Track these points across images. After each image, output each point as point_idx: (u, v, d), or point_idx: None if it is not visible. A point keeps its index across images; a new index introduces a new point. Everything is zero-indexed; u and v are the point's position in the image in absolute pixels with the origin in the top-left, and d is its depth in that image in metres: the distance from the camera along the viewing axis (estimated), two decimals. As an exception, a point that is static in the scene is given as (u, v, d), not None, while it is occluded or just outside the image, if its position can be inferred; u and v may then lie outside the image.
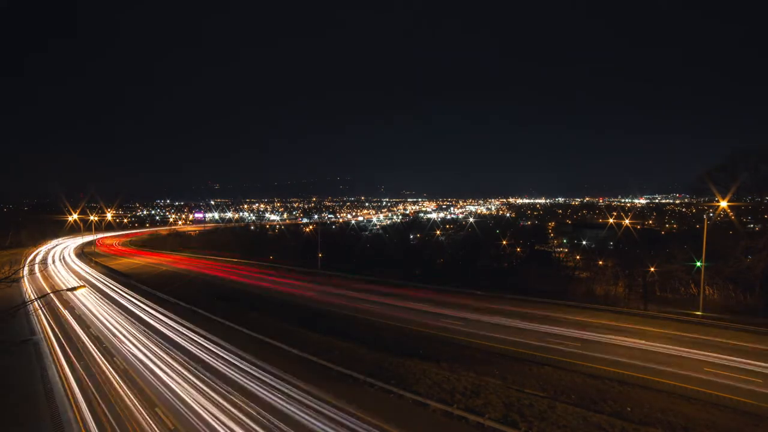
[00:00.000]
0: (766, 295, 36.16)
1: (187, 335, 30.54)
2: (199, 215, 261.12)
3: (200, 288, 49.72)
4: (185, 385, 21.81)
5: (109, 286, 50.50)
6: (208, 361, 25.30)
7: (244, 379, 22.44)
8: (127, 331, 31.95)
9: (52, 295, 43.94)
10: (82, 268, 66.30)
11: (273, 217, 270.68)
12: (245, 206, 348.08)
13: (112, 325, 33.69)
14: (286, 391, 20.94)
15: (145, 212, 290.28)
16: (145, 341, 29.28)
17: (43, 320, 35.35)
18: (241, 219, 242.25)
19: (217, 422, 18.08)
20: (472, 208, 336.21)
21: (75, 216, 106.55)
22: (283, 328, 31.58)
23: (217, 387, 21.49)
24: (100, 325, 33.83)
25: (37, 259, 77.81)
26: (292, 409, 19.10)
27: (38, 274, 59.82)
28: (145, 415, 18.92)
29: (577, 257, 65.46)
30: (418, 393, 20.07)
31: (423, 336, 30.07)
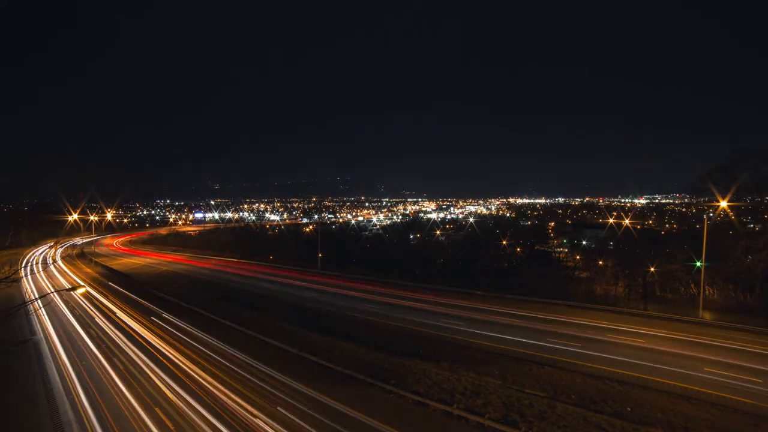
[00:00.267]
0: (766, 295, 36.15)
1: (186, 335, 30.54)
2: (199, 215, 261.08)
3: (200, 288, 49.72)
4: (185, 386, 21.81)
5: (109, 286, 50.51)
6: (208, 362, 25.30)
7: (244, 380, 22.44)
8: (127, 331, 31.96)
9: (52, 294, 43.94)
10: (82, 268, 66.32)
11: (273, 217, 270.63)
12: (245, 206, 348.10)
13: (112, 324, 33.69)
14: (285, 391, 20.95)
15: (145, 212, 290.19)
16: (145, 342, 29.28)
17: (43, 320, 35.36)
18: (241, 219, 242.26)
19: (217, 425, 18.08)
20: (472, 208, 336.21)
21: (75, 216, 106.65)
22: (283, 328, 31.59)
23: (218, 388, 21.49)
24: (99, 325, 33.84)
25: (38, 259, 77.84)
26: (293, 410, 19.11)
27: (39, 274, 59.84)
28: (146, 415, 18.93)
29: (577, 257, 65.43)
30: (418, 393, 20.07)
31: (423, 336, 30.07)
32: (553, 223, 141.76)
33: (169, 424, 18.06)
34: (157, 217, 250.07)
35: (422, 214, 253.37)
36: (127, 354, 26.90)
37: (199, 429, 17.68)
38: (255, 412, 18.86)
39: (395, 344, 27.98)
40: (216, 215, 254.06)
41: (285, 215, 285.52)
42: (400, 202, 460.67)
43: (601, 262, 52.53)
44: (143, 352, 27.02)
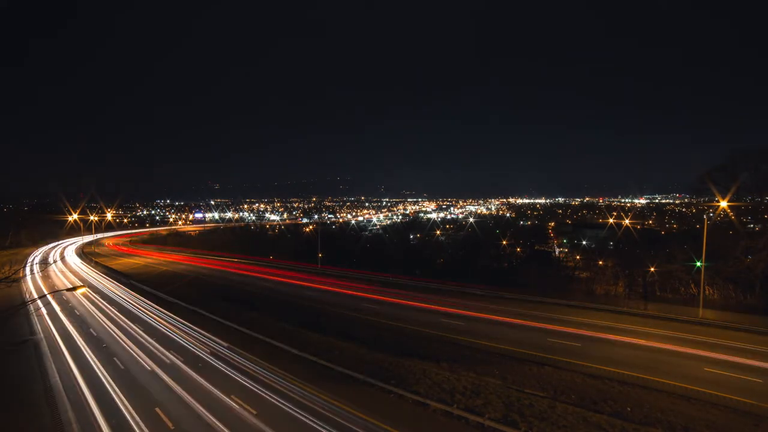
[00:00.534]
0: (766, 295, 36.15)
1: (186, 336, 30.54)
2: (199, 215, 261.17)
3: (200, 288, 49.72)
4: (185, 386, 21.81)
5: (109, 286, 50.53)
6: (208, 361, 25.31)
7: (244, 379, 22.45)
8: (127, 331, 31.96)
9: (51, 295, 43.95)
10: (82, 268, 66.33)
11: (273, 217, 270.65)
12: (245, 206, 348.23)
13: (112, 325, 33.70)
14: (286, 390, 20.95)
15: (145, 212, 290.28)
16: (145, 341, 29.28)
17: (42, 320, 35.35)
18: (241, 219, 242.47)
19: (217, 423, 18.08)
20: (472, 208, 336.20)
21: (75, 216, 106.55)
22: (283, 328, 31.58)
23: (217, 388, 21.50)
24: (99, 325, 33.84)
25: (38, 259, 77.83)
26: (293, 410, 19.12)
27: (39, 274, 59.83)
28: (145, 416, 18.93)
29: (577, 257, 65.48)
30: (418, 393, 20.07)
31: (423, 336, 30.06)
32: (553, 223, 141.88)
33: (169, 424, 18.06)
34: (157, 217, 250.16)
35: (422, 214, 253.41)
36: (127, 354, 26.90)
37: (200, 429, 17.68)
38: (255, 411, 18.86)
39: (395, 344, 27.97)
40: (216, 215, 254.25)
41: (285, 215, 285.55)
42: (400, 202, 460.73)
43: (601, 262, 52.55)
44: (143, 353, 27.02)
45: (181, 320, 34.46)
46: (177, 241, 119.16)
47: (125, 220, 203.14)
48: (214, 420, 18.23)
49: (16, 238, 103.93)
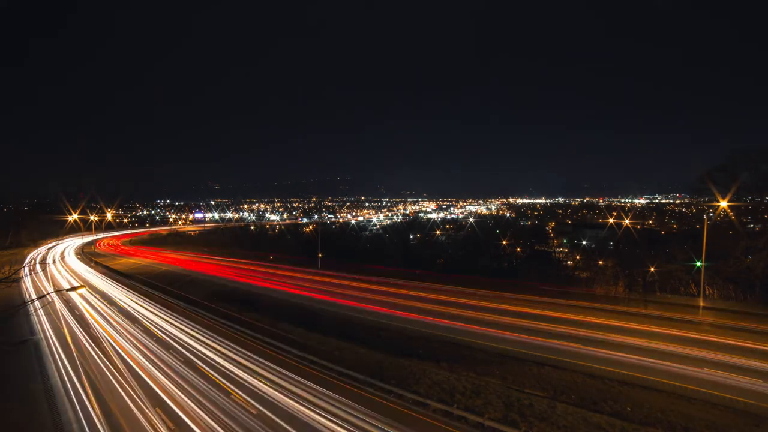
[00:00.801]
0: (766, 295, 36.15)
1: (186, 336, 30.55)
2: (199, 215, 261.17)
3: (200, 288, 49.69)
4: (185, 387, 21.80)
5: (110, 286, 50.51)
6: (208, 361, 25.31)
7: (244, 380, 22.45)
8: (127, 331, 31.96)
9: (52, 295, 43.92)
10: (82, 268, 66.31)
11: (273, 217, 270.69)
12: (245, 206, 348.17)
13: (112, 325, 33.69)
14: (286, 391, 20.95)
15: (145, 212, 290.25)
16: (145, 342, 29.28)
17: (43, 320, 35.33)
18: (241, 219, 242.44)
19: (219, 422, 18.07)
20: (472, 208, 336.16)
21: (75, 216, 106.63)
22: (283, 328, 31.58)
23: (217, 387, 21.49)
24: (99, 325, 33.83)
25: (38, 259, 77.81)
26: (293, 409, 19.12)
27: (38, 274, 59.80)
28: (145, 415, 18.92)
29: (577, 257, 65.48)
30: (418, 393, 20.07)
31: (423, 336, 30.06)
32: (553, 223, 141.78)
33: (170, 424, 18.06)
34: (157, 217, 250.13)
35: (422, 214, 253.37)
36: (127, 354, 26.89)
37: (200, 428, 17.68)
38: (256, 412, 18.85)
39: (395, 344, 27.98)
40: (216, 215, 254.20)
41: (285, 215, 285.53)
42: (400, 202, 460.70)
43: (601, 262, 52.54)
44: (143, 353, 27.01)
45: (181, 320, 34.46)
46: (177, 241, 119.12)
47: (125, 220, 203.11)
48: (214, 420, 18.23)
49: (16, 238, 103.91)
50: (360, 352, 26.31)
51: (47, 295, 43.20)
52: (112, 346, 28.62)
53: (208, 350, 27.17)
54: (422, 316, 34.99)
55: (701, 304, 33.80)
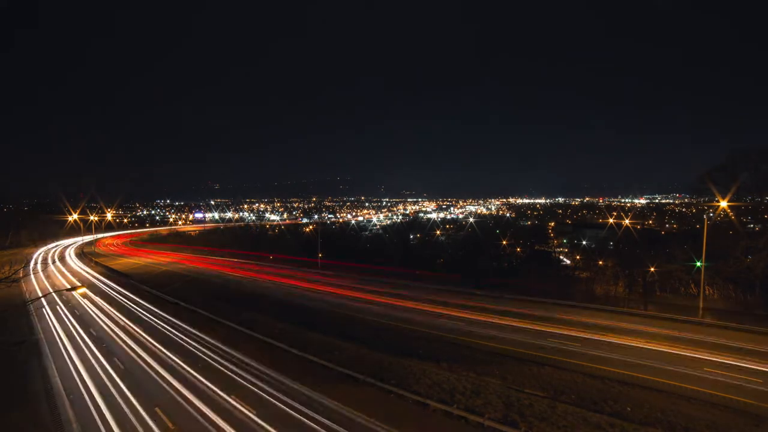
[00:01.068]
0: (766, 295, 36.15)
1: (186, 336, 30.55)
2: (199, 215, 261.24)
3: (200, 288, 49.71)
4: (185, 386, 21.80)
5: (109, 286, 50.52)
6: (208, 362, 25.31)
7: (244, 379, 22.45)
8: (127, 331, 31.96)
9: (52, 295, 43.95)
10: (82, 268, 66.32)
11: (273, 217, 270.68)
12: (245, 206, 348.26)
13: (112, 325, 33.69)
14: (286, 390, 20.95)
15: (145, 212, 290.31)
16: (145, 342, 29.28)
17: (43, 320, 35.34)
18: (241, 219, 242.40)
19: (218, 423, 18.08)
20: (472, 208, 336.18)
21: (75, 216, 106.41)
22: (284, 328, 31.57)
23: (217, 388, 21.50)
24: (99, 325, 33.84)
25: (38, 259, 77.82)
26: (293, 409, 19.12)
27: (39, 274, 59.84)
28: (145, 416, 18.93)
29: (577, 257, 65.44)
30: (418, 393, 20.07)
31: (423, 336, 30.07)
32: (553, 223, 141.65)
33: (170, 424, 18.06)
34: (157, 217, 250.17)
35: (422, 214, 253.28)
36: (128, 354, 26.90)
37: (200, 428, 17.68)
38: (256, 412, 18.86)
39: (395, 344, 27.97)
40: (216, 215, 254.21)
41: (285, 215, 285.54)
42: (400, 202, 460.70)
43: (601, 262, 52.54)
44: (143, 353, 27.02)
45: (180, 320, 34.46)
46: (177, 241, 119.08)
47: (125, 220, 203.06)
48: (215, 420, 18.23)
49: (16, 238, 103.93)
50: (360, 351, 26.31)
51: (47, 295, 43.21)
52: (112, 345, 28.63)
53: (209, 349, 27.19)
54: (422, 317, 34.99)
55: (701, 304, 33.79)
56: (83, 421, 18.74)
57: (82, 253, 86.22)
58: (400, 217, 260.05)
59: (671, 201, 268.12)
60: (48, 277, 58.00)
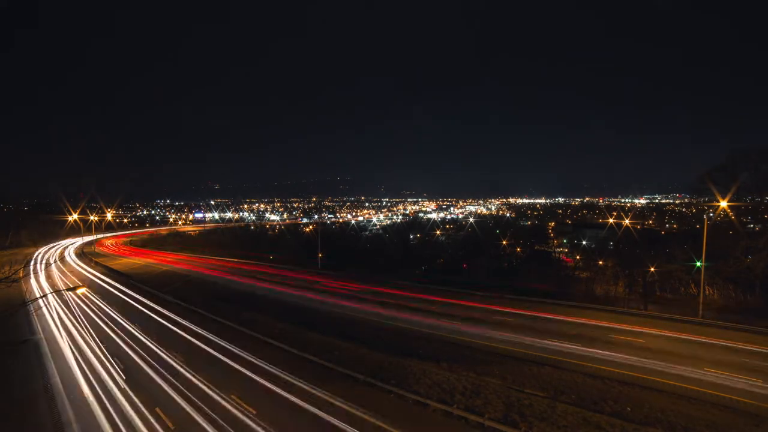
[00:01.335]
0: (766, 295, 36.15)
1: (186, 337, 30.55)
2: (199, 215, 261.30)
3: (200, 288, 49.71)
4: (185, 386, 21.81)
5: (109, 286, 50.52)
6: (208, 361, 25.31)
7: (244, 379, 22.45)
8: (127, 331, 31.97)
9: (52, 295, 43.96)
10: (82, 268, 66.33)
11: (273, 217, 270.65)
12: (245, 206, 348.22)
13: (112, 325, 33.70)
14: (286, 390, 20.96)
15: (145, 212, 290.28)
16: (145, 342, 29.29)
17: (43, 320, 35.36)
18: (241, 219, 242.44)
19: (217, 423, 18.08)
20: (472, 208, 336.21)
21: (75, 216, 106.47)
22: (283, 328, 31.58)
23: (217, 388, 21.50)
24: (99, 325, 33.84)
25: (38, 259, 77.83)
26: (293, 409, 19.11)
27: (39, 274, 59.85)
28: (145, 416, 18.94)
29: (577, 257, 65.46)
30: (418, 393, 20.07)
31: (423, 336, 30.06)
32: (553, 223, 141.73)
33: (170, 424, 18.07)
34: (157, 217, 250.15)
35: (422, 214, 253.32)
36: (127, 354, 26.91)
37: (200, 428, 17.68)
38: (256, 412, 18.86)
39: (395, 344, 27.97)
40: (216, 215, 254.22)
41: (285, 215, 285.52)
42: (400, 202, 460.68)
43: (601, 262, 52.57)
44: (143, 353, 27.02)
45: (180, 320, 34.47)
46: (177, 241, 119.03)
47: (125, 220, 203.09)
48: (215, 419, 18.24)
49: (16, 238, 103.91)
50: (360, 351, 26.31)
51: (47, 296, 43.22)
52: (112, 345, 28.63)
53: (208, 348, 27.20)
54: (422, 317, 34.97)
55: (701, 304, 33.79)
56: (83, 421, 18.75)
57: (82, 253, 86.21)
58: (400, 217, 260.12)
59: (671, 201, 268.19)
60: (48, 277, 58.00)
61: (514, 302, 38.82)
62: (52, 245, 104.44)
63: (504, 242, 78.05)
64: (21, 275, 56.53)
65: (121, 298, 44.09)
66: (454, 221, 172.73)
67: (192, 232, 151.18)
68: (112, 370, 24.17)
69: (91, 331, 32.21)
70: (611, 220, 78.47)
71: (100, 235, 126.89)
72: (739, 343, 26.80)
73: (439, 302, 39.73)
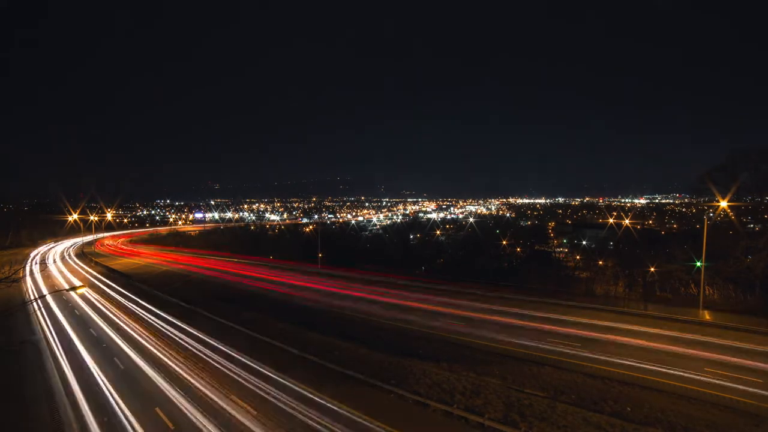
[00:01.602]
0: (766, 295, 36.11)
1: (186, 337, 30.54)
2: (199, 215, 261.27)
3: (200, 288, 49.71)
4: (185, 386, 21.80)
5: (109, 287, 50.50)
6: (208, 362, 25.30)
7: (244, 379, 22.45)
8: (127, 331, 31.95)
9: (52, 295, 43.95)
10: (82, 268, 66.33)
11: (273, 217, 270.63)
12: (245, 206, 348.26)
13: (112, 325, 33.69)
14: (286, 390, 20.95)
15: (145, 212, 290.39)
16: (145, 342, 29.28)
17: (43, 320, 35.34)
18: (241, 219, 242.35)
19: (217, 423, 18.07)
20: (472, 208, 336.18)
21: (75, 216, 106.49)
22: (284, 328, 31.58)
23: (217, 387, 21.49)
24: (99, 325, 33.84)
25: (38, 259, 77.83)
26: (293, 410, 19.11)
27: (38, 274, 59.84)
28: (145, 415, 18.93)
29: (577, 257, 65.44)
30: (418, 393, 20.06)
31: (423, 336, 30.05)
32: (553, 223, 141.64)
33: (170, 424, 18.06)
34: (157, 217, 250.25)
35: (422, 214, 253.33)
36: (127, 355, 26.90)
37: (200, 428, 17.67)
38: (256, 413, 18.85)
39: (395, 344, 27.96)
40: (216, 215, 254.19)
41: (285, 215, 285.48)
42: (400, 202, 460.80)
43: (601, 262, 52.58)
44: (143, 353, 27.02)
45: (180, 320, 34.44)
46: (177, 241, 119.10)
47: (125, 220, 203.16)
48: (214, 420, 18.23)
49: (16, 238, 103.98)
50: (360, 352, 26.30)
51: (47, 296, 43.21)
52: (112, 346, 28.62)
53: (208, 349, 27.18)
54: (422, 317, 34.96)
55: (701, 304, 33.78)
56: (83, 421, 18.74)
57: (82, 253, 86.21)
58: (400, 217, 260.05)
59: (671, 201, 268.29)
60: (48, 277, 57.98)
61: (514, 302, 38.78)
62: (52, 245, 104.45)
63: (504, 242, 78.06)
64: (21, 275, 56.55)
65: (120, 298, 44.07)
66: (454, 221, 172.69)
67: (192, 232, 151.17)
68: (112, 370, 24.15)
69: (91, 330, 32.20)
70: (611, 220, 78.44)
71: (100, 235, 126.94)
72: (739, 342, 26.78)
73: (439, 302, 39.71)
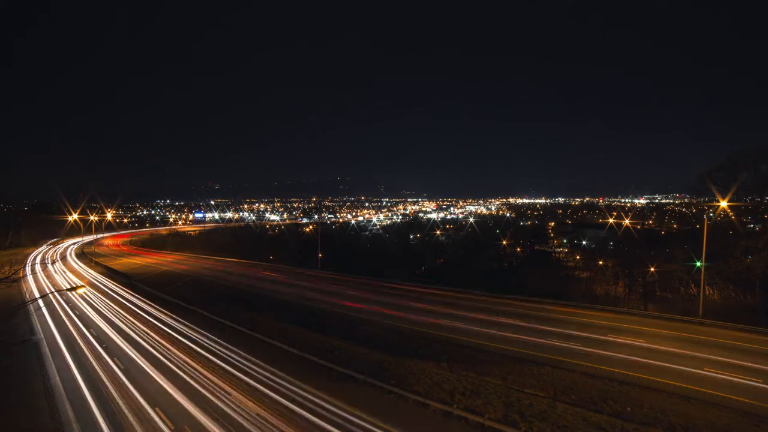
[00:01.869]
0: (766, 295, 36.15)
1: (186, 336, 30.55)
2: (199, 215, 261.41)
3: (200, 288, 49.69)
4: (185, 386, 21.81)
5: (109, 287, 50.52)
6: (208, 362, 25.31)
7: (244, 379, 22.45)
8: (127, 331, 31.97)
9: (52, 295, 43.96)
10: (82, 268, 66.35)
11: (273, 217, 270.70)
12: (245, 206, 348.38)
13: (112, 325, 33.71)
14: (286, 390, 20.96)
15: (145, 212, 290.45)
16: (145, 342, 29.29)
17: (43, 320, 35.35)
18: (241, 219, 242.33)
19: (217, 424, 18.08)
20: (472, 208, 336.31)
21: (75, 216, 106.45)
22: (283, 328, 31.59)
23: (216, 387, 21.51)
24: (99, 325, 33.85)
25: (37, 259, 77.84)
26: (293, 409, 19.12)
27: (39, 274, 59.85)
28: (144, 416, 18.93)
29: (577, 257, 65.50)
30: (418, 393, 20.07)
31: (423, 336, 30.04)
32: (553, 223, 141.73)
33: (170, 424, 18.07)
34: (158, 217, 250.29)
35: (422, 214, 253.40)
36: (127, 354, 26.91)
37: (200, 428, 17.68)
38: (255, 413, 18.86)
39: (395, 344, 27.97)
40: (216, 215, 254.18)
41: (285, 215, 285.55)
42: (400, 202, 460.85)
43: (601, 262, 52.64)
44: (143, 353, 27.03)
45: (180, 320, 34.47)
46: (177, 241, 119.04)
47: (125, 220, 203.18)
48: (214, 420, 18.24)
49: (16, 238, 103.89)
50: (360, 352, 26.31)
51: (47, 295, 43.23)
52: (112, 345, 28.63)
53: (209, 349, 27.19)
54: (422, 317, 34.97)
55: (701, 304, 33.79)
56: (83, 421, 18.75)
57: (82, 253, 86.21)
58: (400, 217, 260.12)
59: (671, 201, 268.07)
60: (48, 276, 58.00)
61: (514, 302, 38.78)
62: (52, 245, 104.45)
63: (504, 242, 78.15)
64: (21, 275, 56.56)
65: (120, 297, 44.08)
66: (454, 221, 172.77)
67: (192, 232, 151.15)
68: (112, 370, 24.16)
69: (91, 330, 32.21)
70: (611, 220, 78.48)
71: (100, 235, 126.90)
72: (739, 342, 26.78)
73: (439, 302, 39.71)
